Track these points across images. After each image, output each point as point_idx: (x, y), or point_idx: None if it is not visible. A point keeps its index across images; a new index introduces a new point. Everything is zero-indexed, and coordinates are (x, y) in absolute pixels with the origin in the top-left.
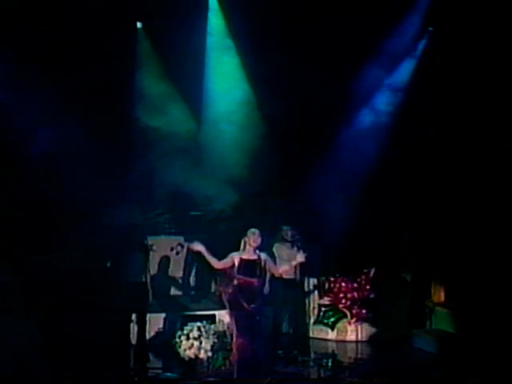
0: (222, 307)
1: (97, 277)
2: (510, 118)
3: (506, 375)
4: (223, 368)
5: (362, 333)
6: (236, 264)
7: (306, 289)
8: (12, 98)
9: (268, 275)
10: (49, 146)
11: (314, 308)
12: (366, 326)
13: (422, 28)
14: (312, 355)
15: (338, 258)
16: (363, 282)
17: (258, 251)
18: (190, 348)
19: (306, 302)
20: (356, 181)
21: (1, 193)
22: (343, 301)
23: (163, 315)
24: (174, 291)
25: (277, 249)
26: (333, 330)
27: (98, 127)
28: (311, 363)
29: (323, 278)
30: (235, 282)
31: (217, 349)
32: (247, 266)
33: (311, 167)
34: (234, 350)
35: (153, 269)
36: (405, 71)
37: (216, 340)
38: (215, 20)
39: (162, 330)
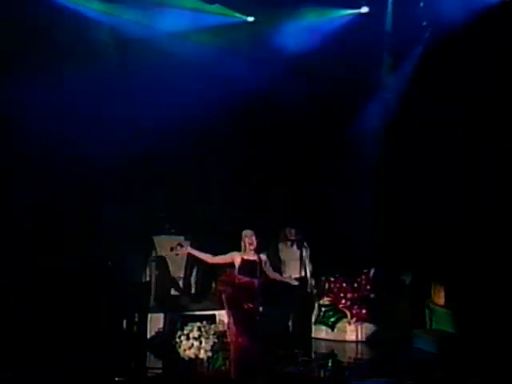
0: (222, 307)
1: (97, 277)
2: (509, 118)
3: (506, 375)
4: (223, 368)
5: (361, 333)
6: (237, 264)
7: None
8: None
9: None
10: (48, 145)
11: (314, 308)
12: (365, 325)
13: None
14: (312, 355)
15: (338, 258)
16: (363, 282)
17: (258, 252)
18: (189, 348)
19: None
20: (356, 181)
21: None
22: (343, 301)
23: (163, 315)
24: (174, 291)
25: (281, 248)
26: (333, 330)
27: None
28: (311, 363)
29: (323, 278)
30: (235, 281)
31: (217, 349)
32: (248, 267)
33: (311, 167)
34: (234, 350)
35: (153, 269)
36: (404, 72)
37: (216, 340)
38: None
39: (161, 329)
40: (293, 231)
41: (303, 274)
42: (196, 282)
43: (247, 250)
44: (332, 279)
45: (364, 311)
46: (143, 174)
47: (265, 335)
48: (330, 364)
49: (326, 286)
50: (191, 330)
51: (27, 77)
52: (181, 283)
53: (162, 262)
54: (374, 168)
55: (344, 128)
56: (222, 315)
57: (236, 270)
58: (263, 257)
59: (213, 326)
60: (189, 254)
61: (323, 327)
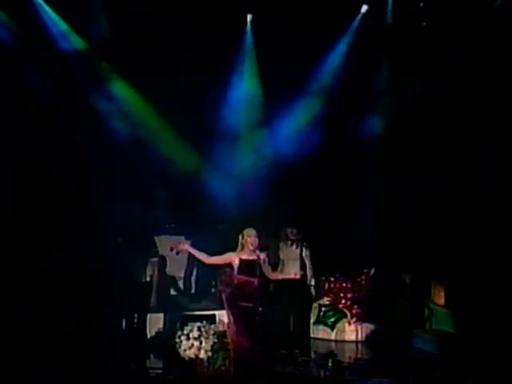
0: (222, 307)
1: (96, 277)
2: (509, 118)
3: (506, 375)
4: (223, 368)
5: (361, 333)
6: (236, 264)
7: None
8: None
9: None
10: (48, 145)
11: (314, 308)
12: (365, 325)
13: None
14: (312, 355)
15: (338, 258)
16: (363, 282)
17: (257, 251)
18: (189, 348)
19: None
20: (356, 180)
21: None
22: (343, 301)
23: (163, 315)
24: (174, 291)
25: (282, 248)
26: (333, 330)
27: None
28: (311, 363)
29: (323, 278)
30: (235, 281)
31: (217, 349)
32: (247, 266)
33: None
34: (234, 349)
35: (153, 269)
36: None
37: (216, 340)
38: None
39: (161, 329)
40: (294, 231)
41: (302, 274)
42: (196, 282)
43: (246, 249)
44: (332, 279)
45: (364, 311)
46: (143, 173)
47: (265, 335)
48: (329, 364)
49: (326, 285)
50: (191, 330)
51: None
52: (181, 283)
53: (162, 262)
54: (374, 168)
55: (344, 129)
56: (222, 315)
57: (235, 270)
58: (263, 256)
59: (213, 325)
60: (188, 254)
61: (323, 327)
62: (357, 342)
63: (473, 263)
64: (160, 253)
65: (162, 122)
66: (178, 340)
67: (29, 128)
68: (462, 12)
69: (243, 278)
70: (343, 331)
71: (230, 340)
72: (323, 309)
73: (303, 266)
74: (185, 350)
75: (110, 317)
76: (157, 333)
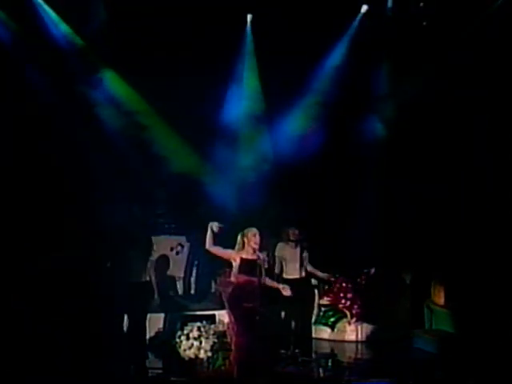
0: (222, 307)
1: (95, 277)
2: (509, 118)
3: (506, 375)
4: (223, 368)
5: (362, 333)
6: (237, 263)
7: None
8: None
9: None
10: (47, 145)
11: (314, 308)
12: (365, 326)
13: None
14: (312, 355)
15: (338, 258)
16: (363, 282)
17: (257, 251)
18: (189, 348)
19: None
20: (356, 180)
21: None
22: (343, 301)
23: (163, 315)
24: (174, 291)
25: (281, 249)
26: (333, 330)
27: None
28: (311, 363)
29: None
30: (236, 281)
31: (217, 349)
32: (248, 266)
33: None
34: (235, 349)
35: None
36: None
37: (216, 340)
38: None
39: (161, 329)
40: (296, 231)
41: (303, 274)
42: (196, 282)
43: (247, 248)
44: (332, 279)
45: (364, 311)
46: (143, 173)
47: (265, 335)
48: (329, 364)
49: (326, 285)
50: (191, 330)
51: None
52: (181, 283)
53: (161, 262)
54: (375, 168)
55: (344, 129)
56: (222, 315)
57: (236, 269)
58: (263, 256)
59: (213, 325)
60: (188, 254)
61: (323, 327)
62: (357, 342)
63: (473, 263)
64: (160, 253)
65: (162, 121)
66: (177, 340)
67: (28, 128)
68: (462, 12)
69: (244, 277)
70: (343, 331)
71: (230, 340)
72: (323, 309)
73: (304, 267)
74: (185, 350)
75: (109, 317)
76: (157, 333)
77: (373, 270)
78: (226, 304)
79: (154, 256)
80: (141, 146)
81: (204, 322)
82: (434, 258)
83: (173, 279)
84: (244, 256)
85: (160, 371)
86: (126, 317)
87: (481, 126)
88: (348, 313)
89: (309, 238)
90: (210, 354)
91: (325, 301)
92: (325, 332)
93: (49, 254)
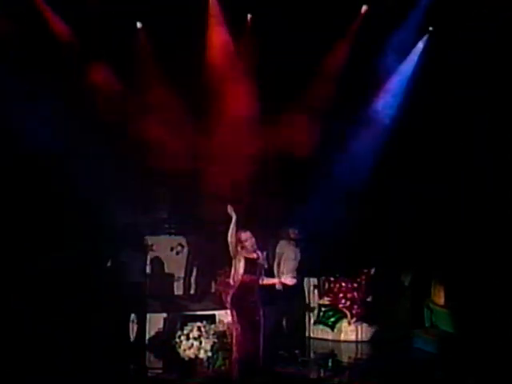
0: (222, 307)
1: (96, 277)
2: (509, 118)
3: (506, 375)
4: (223, 368)
5: (362, 333)
6: (242, 263)
7: (306, 289)
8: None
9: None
10: (47, 145)
11: (313, 308)
12: (365, 326)
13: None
14: (312, 355)
15: (338, 258)
16: (363, 282)
17: (257, 251)
18: (189, 348)
19: (307, 301)
20: (356, 180)
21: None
22: (343, 301)
23: (163, 315)
24: (174, 291)
25: (282, 248)
26: (333, 330)
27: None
28: (311, 363)
29: (323, 278)
30: (240, 280)
31: (217, 349)
32: (251, 265)
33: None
34: (236, 349)
35: (153, 269)
36: (405, 73)
37: (216, 340)
38: None
39: (161, 329)
40: (295, 231)
41: (300, 273)
42: (196, 282)
43: (247, 249)
44: (332, 279)
45: (364, 311)
46: (143, 173)
47: (265, 335)
48: (329, 364)
49: (326, 285)
50: (191, 330)
51: None
52: (181, 283)
53: (161, 262)
54: (375, 168)
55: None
56: (222, 315)
57: (241, 269)
58: (262, 255)
59: (213, 325)
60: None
61: (323, 327)
62: (357, 342)
63: (473, 263)
64: (160, 253)
65: (160, 119)
66: (177, 340)
67: (28, 128)
68: (462, 12)
69: (248, 276)
70: (343, 331)
71: (230, 340)
72: (323, 309)
73: (301, 267)
74: (185, 350)
75: (109, 317)
76: (157, 333)
77: (373, 270)
78: (230, 303)
79: (154, 256)
80: (141, 145)
81: (204, 322)
82: (434, 257)
83: (173, 279)
84: (247, 255)
85: (160, 371)
86: (125, 317)
87: (481, 125)
88: (348, 313)
89: (309, 238)
90: (210, 353)
91: (325, 301)
92: (325, 332)
93: (49, 254)
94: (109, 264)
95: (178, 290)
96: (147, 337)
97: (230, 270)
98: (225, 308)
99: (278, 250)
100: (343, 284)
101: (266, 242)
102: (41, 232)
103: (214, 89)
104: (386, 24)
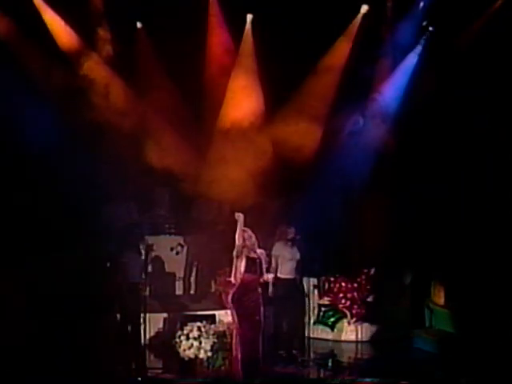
0: (222, 307)
1: (96, 277)
2: (509, 118)
3: (506, 375)
4: (223, 368)
5: (362, 333)
6: (243, 263)
7: (305, 288)
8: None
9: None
10: (47, 145)
11: (313, 308)
12: (366, 325)
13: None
14: (312, 355)
15: (338, 258)
16: (363, 282)
17: (257, 250)
18: (189, 348)
19: (306, 301)
20: (356, 180)
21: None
22: (343, 301)
23: (163, 315)
24: (174, 291)
25: (278, 250)
26: (333, 330)
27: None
28: (311, 363)
29: (323, 278)
30: (241, 279)
31: (217, 349)
32: (252, 265)
33: (310, 167)
34: (236, 349)
35: (153, 269)
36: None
37: (216, 340)
38: None
39: (161, 329)
40: (293, 231)
41: (298, 273)
42: (196, 282)
43: (248, 248)
44: (332, 279)
45: (364, 311)
46: (143, 174)
47: (265, 335)
48: (329, 364)
49: (326, 285)
50: (191, 330)
51: None
52: (181, 283)
53: (161, 262)
54: (375, 168)
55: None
56: (222, 315)
57: (242, 268)
58: (262, 255)
59: (213, 325)
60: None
61: (323, 327)
62: (357, 342)
63: (473, 263)
64: (160, 253)
65: (159, 119)
66: (177, 340)
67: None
68: (462, 12)
69: (249, 275)
70: (343, 331)
71: (230, 340)
72: (323, 309)
73: (299, 267)
74: (185, 350)
75: (109, 316)
76: (157, 333)
77: (373, 270)
78: (230, 302)
79: (154, 256)
80: (140, 145)
81: (204, 322)
82: (434, 257)
83: (173, 279)
84: (247, 254)
85: (160, 371)
86: (124, 317)
87: (481, 126)
88: (348, 313)
89: (309, 238)
90: (210, 354)
91: (325, 301)
92: (325, 332)
93: (49, 254)
94: (108, 264)
95: (178, 289)
96: (147, 337)
97: (231, 270)
98: (225, 308)
99: (273, 252)
100: (343, 284)
101: (266, 242)
102: (41, 232)
103: (214, 89)
104: (385, 24)
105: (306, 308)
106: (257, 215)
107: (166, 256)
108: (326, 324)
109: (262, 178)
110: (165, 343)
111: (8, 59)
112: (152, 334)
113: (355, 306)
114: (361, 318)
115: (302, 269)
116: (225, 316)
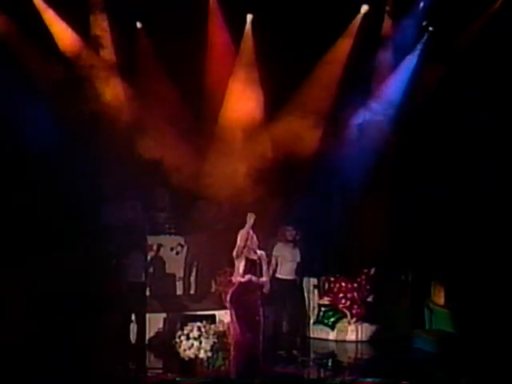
0: (222, 307)
1: (96, 277)
2: (508, 118)
3: (506, 375)
4: (223, 368)
5: (362, 333)
6: (243, 264)
7: (305, 289)
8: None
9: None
10: (47, 145)
11: (313, 308)
12: (366, 325)
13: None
14: (312, 355)
15: (338, 258)
16: (363, 282)
17: (258, 250)
18: (189, 348)
19: (306, 301)
20: (356, 180)
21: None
22: (343, 301)
23: (163, 315)
24: (174, 291)
25: (279, 248)
26: (333, 330)
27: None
28: (311, 363)
29: (323, 278)
30: (240, 280)
31: (217, 349)
32: (252, 265)
33: (310, 167)
34: (235, 349)
35: (153, 269)
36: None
37: (216, 340)
38: None
39: (161, 329)
40: (293, 231)
41: (298, 274)
42: (196, 282)
43: (248, 249)
44: (332, 279)
45: (364, 311)
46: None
47: (265, 335)
48: (329, 364)
49: (326, 285)
50: (191, 330)
51: None
52: (181, 283)
53: (161, 262)
54: (375, 168)
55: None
56: (222, 315)
57: (242, 269)
58: (263, 255)
59: (213, 325)
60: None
61: (323, 327)
62: (357, 342)
63: (473, 263)
64: (160, 253)
65: (159, 119)
66: (177, 340)
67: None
68: (462, 12)
69: (249, 276)
70: (343, 331)
71: (230, 339)
72: (323, 309)
73: (299, 267)
74: (185, 350)
75: (109, 317)
76: (157, 333)
77: (373, 270)
78: (229, 303)
79: (154, 256)
80: (140, 146)
81: (204, 322)
82: (434, 257)
83: (173, 279)
84: (248, 256)
85: (160, 371)
86: (125, 317)
87: (481, 126)
88: (348, 313)
89: (309, 238)
90: (209, 354)
91: (325, 301)
92: (325, 332)
93: (49, 254)
94: (108, 264)
95: (178, 289)
96: (147, 337)
97: (233, 270)
98: (225, 308)
99: (274, 253)
100: (343, 284)
101: (266, 242)
102: (41, 232)
103: (214, 89)
104: (385, 24)
105: (306, 308)
106: (257, 215)
107: (166, 256)
108: (326, 324)
109: (262, 177)
110: (165, 343)
111: (8, 59)
112: (152, 334)
113: (355, 306)
114: (361, 318)
115: (302, 269)
116: (225, 316)
